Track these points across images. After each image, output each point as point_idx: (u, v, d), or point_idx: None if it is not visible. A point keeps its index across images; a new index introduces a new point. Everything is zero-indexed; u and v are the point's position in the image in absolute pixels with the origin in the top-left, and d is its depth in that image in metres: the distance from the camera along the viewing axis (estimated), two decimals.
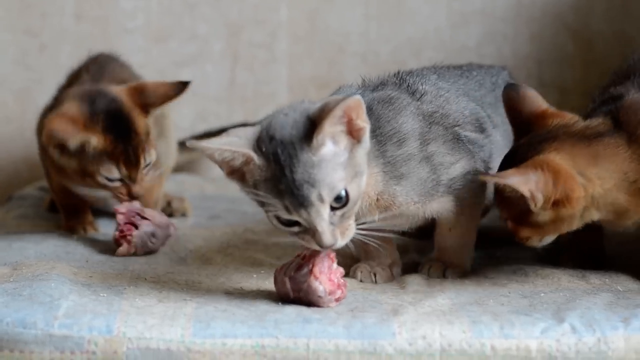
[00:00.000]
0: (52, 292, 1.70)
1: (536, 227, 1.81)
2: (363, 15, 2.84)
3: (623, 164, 1.79)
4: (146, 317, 1.62)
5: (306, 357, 1.58)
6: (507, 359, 1.58)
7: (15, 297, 1.68)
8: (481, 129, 1.91)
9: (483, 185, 1.88)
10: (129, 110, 2.10)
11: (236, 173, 1.68)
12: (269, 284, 1.79)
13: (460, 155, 1.84)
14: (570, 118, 1.86)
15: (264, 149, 1.65)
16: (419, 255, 1.99)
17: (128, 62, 2.43)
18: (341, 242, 1.67)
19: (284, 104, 1.74)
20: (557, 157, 1.77)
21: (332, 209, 1.65)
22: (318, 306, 1.68)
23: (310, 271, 1.68)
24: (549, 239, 1.85)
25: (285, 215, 1.65)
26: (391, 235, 1.92)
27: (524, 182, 1.73)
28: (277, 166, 1.63)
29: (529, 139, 1.84)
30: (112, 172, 2.09)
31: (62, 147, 2.07)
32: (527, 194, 1.73)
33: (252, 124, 1.77)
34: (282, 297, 1.72)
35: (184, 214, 2.42)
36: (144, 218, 2.06)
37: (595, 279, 1.87)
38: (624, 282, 1.85)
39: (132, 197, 2.11)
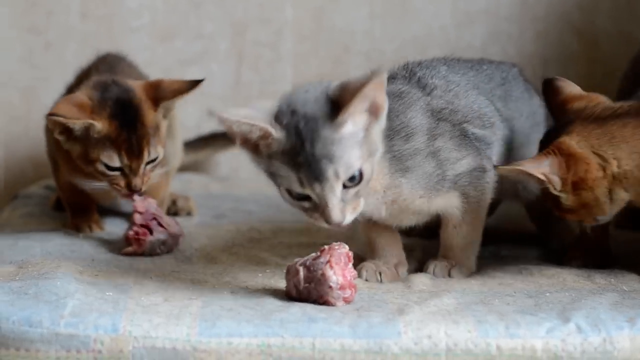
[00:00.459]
0: (58, 290, 1.70)
1: (570, 212, 1.82)
2: (368, 13, 2.84)
3: None
4: (152, 316, 1.62)
5: (312, 357, 1.58)
6: (512, 358, 1.58)
7: (21, 295, 1.68)
8: (489, 124, 1.91)
9: (489, 183, 1.88)
10: (139, 102, 2.09)
11: (249, 144, 1.70)
12: (274, 283, 1.80)
13: (467, 151, 1.85)
14: (592, 100, 1.87)
15: (284, 122, 1.66)
16: (425, 255, 1.98)
17: (135, 62, 2.42)
18: (349, 218, 1.69)
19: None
20: (570, 140, 1.79)
21: (345, 187, 1.66)
22: (325, 300, 1.68)
23: (328, 261, 1.69)
24: (601, 218, 1.85)
25: (298, 189, 1.67)
26: (397, 235, 1.92)
27: (537, 167, 1.76)
28: (297, 139, 1.65)
29: (555, 126, 1.86)
30: (112, 159, 2.06)
31: (68, 132, 2.07)
32: (542, 177, 1.76)
33: None
34: (289, 292, 1.72)
35: (189, 213, 2.41)
36: (160, 225, 2.06)
37: (601, 278, 1.87)
38: (629, 282, 1.85)
39: (130, 190, 2.08)
